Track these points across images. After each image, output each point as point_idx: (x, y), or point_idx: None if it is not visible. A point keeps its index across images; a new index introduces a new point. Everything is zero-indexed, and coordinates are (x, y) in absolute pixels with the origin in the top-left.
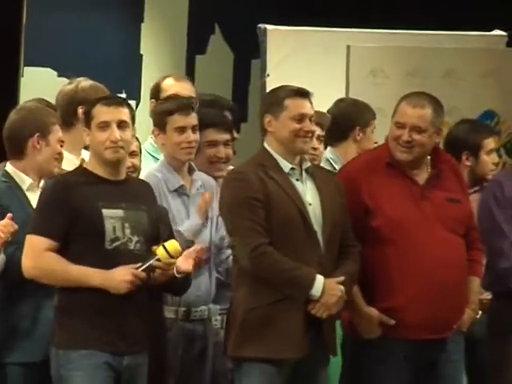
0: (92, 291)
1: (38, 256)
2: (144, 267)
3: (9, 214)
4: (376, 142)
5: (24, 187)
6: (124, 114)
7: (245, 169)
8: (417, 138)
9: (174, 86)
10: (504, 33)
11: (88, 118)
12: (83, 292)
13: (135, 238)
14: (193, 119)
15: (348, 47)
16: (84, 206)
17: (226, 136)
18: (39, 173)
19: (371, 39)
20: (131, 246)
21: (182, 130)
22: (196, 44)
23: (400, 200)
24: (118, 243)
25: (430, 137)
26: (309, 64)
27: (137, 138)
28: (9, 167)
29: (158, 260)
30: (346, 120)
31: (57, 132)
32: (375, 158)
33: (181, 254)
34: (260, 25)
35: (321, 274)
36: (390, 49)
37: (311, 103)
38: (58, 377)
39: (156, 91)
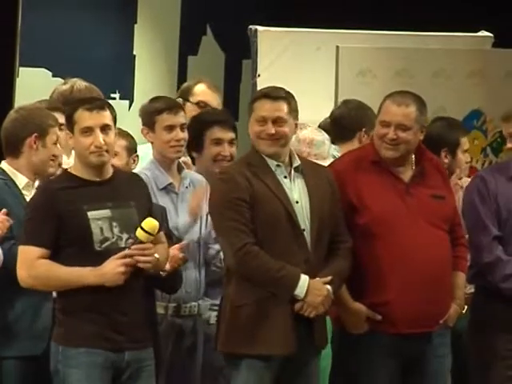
0: (90, 289)
1: (31, 265)
2: (131, 251)
3: (3, 210)
4: None
5: (20, 185)
6: (106, 117)
7: (232, 169)
8: (402, 136)
9: (205, 93)
10: (490, 34)
11: (70, 123)
12: (81, 290)
13: (125, 235)
14: (181, 118)
15: (337, 48)
16: (69, 211)
17: (231, 134)
18: (34, 173)
19: (360, 40)
20: (122, 244)
21: (170, 128)
22: (188, 45)
23: (385, 197)
24: (107, 243)
25: (414, 134)
26: (299, 64)
27: (131, 137)
28: (4, 165)
29: (141, 242)
30: (353, 121)
31: (54, 134)
32: (360, 157)
33: (159, 229)
34: (251, 26)
35: (308, 272)
36: (378, 49)
37: (289, 104)
38: (56, 372)
39: (186, 93)
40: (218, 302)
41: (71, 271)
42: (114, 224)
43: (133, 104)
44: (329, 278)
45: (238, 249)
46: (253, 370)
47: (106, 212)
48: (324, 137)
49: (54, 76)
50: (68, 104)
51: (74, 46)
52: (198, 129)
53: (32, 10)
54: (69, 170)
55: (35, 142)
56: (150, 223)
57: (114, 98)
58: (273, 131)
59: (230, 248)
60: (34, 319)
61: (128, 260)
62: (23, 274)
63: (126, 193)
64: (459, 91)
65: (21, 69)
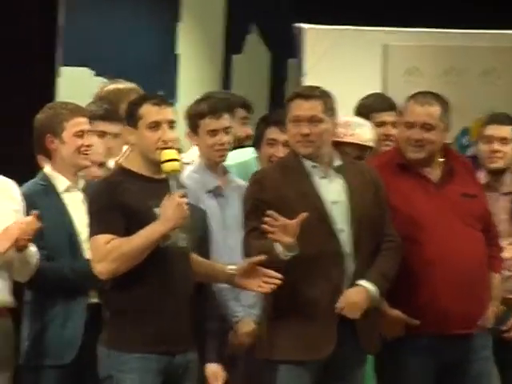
0: (144, 291)
1: (103, 253)
2: (178, 186)
3: (34, 212)
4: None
5: (60, 189)
6: (172, 113)
7: (264, 171)
8: (427, 136)
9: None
10: None
11: (134, 118)
12: (135, 292)
13: (182, 235)
14: (225, 121)
15: (384, 46)
16: (137, 206)
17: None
18: (70, 170)
19: (407, 38)
20: (180, 244)
21: (214, 132)
22: (232, 43)
23: (416, 198)
24: (169, 242)
25: (439, 134)
26: (345, 63)
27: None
28: (47, 169)
29: (176, 171)
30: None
31: (72, 127)
32: (385, 162)
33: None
34: (296, 24)
35: (344, 276)
36: (426, 47)
37: (325, 103)
38: (108, 377)
39: None
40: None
41: (140, 235)
42: None
43: (177, 105)
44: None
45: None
46: (292, 376)
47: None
48: (365, 121)
49: (96, 75)
50: (112, 105)
51: (117, 45)
52: None
53: (74, 8)
54: (124, 164)
55: (53, 142)
56: (170, 152)
57: None
58: (307, 131)
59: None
60: (65, 328)
61: (180, 192)
62: (100, 266)
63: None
64: (508, 90)
65: (62, 68)
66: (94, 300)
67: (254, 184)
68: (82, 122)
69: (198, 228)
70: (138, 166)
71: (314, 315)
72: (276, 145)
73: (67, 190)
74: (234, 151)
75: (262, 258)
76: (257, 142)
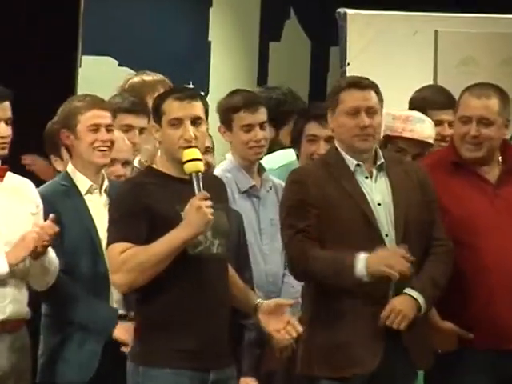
0: (174, 302)
1: (118, 261)
2: (200, 188)
3: (51, 215)
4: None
5: (83, 190)
6: (198, 108)
7: (306, 169)
8: (485, 132)
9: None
10: None
11: (158, 114)
12: (165, 303)
13: (217, 241)
14: (261, 115)
15: (436, 33)
16: (164, 211)
17: (327, 131)
18: (90, 169)
19: (462, 24)
20: (214, 250)
21: (249, 127)
22: (270, 30)
23: (471, 200)
24: (201, 248)
25: (498, 129)
26: (393, 52)
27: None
28: (69, 167)
29: (199, 172)
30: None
31: (87, 121)
32: (439, 160)
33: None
34: (339, 9)
35: (391, 284)
36: (482, 35)
37: (377, 94)
38: None
39: None
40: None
41: (160, 242)
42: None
43: (208, 96)
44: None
45: (291, 248)
46: None
47: None
48: (425, 117)
49: (120, 65)
50: (137, 99)
51: (142, 33)
52: None
53: None
54: (153, 165)
55: (68, 138)
56: (191, 151)
57: None
58: (368, 123)
59: (286, 253)
60: (82, 345)
61: (203, 194)
62: (116, 278)
63: (214, 194)
64: None
65: (83, 57)
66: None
67: (294, 183)
68: (98, 115)
69: (233, 233)
70: (166, 166)
71: (356, 326)
72: (317, 141)
73: (89, 191)
74: (276, 153)
75: (292, 302)
76: (296, 139)
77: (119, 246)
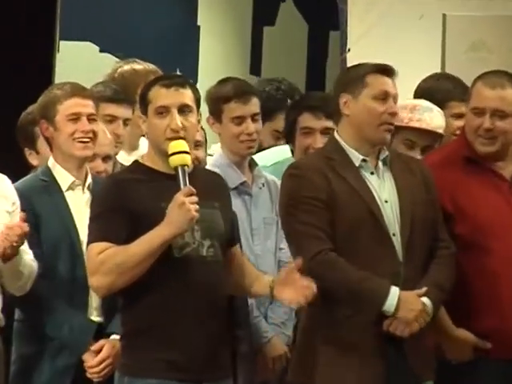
0: (160, 309)
1: (96, 262)
2: (186, 183)
3: (21, 214)
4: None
5: (64, 186)
6: (186, 96)
7: (306, 163)
8: (499, 125)
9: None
10: None
11: (144, 103)
12: (148, 311)
13: (207, 242)
14: (253, 106)
15: (444, 16)
16: (145, 208)
17: (328, 123)
18: (72, 163)
19: (472, 6)
20: (203, 252)
21: (240, 119)
22: (263, 13)
23: (486, 199)
24: (188, 250)
25: None
26: (397, 37)
27: (202, 128)
28: (50, 161)
29: (186, 166)
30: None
31: (66, 110)
32: (450, 155)
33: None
34: None
35: (399, 285)
36: (493, 18)
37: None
38: None
39: None
40: (282, 319)
41: (140, 241)
42: (196, 227)
43: (196, 85)
44: (424, 289)
45: (312, 256)
46: None
47: None
48: (434, 106)
49: (101, 51)
50: (127, 90)
51: (125, 16)
52: None
53: None
54: (140, 160)
55: (47, 129)
56: (177, 143)
57: None
58: (397, 110)
59: (303, 256)
60: (57, 355)
61: (187, 189)
62: (93, 280)
63: (209, 191)
64: None
65: (62, 42)
66: (97, 319)
67: (297, 178)
68: (78, 104)
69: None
70: (153, 161)
71: (356, 332)
72: (312, 134)
73: (71, 187)
74: (269, 150)
75: (300, 262)
76: (289, 132)
77: (97, 246)
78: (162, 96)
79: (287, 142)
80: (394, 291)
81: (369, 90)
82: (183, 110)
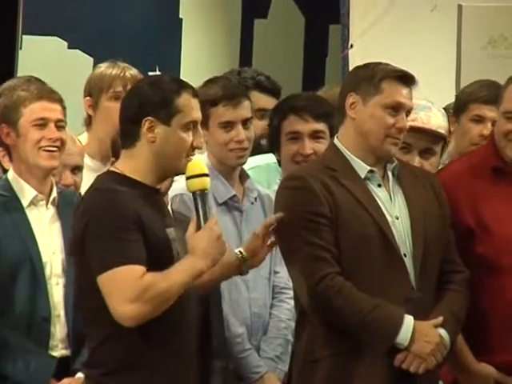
0: (139, 345)
1: (139, 288)
2: (207, 211)
3: None
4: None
5: (25, 202)
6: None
7: (304, 173)
8: None
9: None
10: None
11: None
12: (135, 343)
13: None
14: (244, 110)
15: (459, 7)
16: (151, 228)
17: (317, 126)
18: (35, 175)
19: None
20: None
21: (229, 125)
22: (254, 4)
23: None
24: None
25: None
26: (406, 31)
27: None
28: (10, 174)
29: (205, 190)
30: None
31: (31, 114)
32: (475, 164)
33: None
34: None
35: (412, 313)
36: None
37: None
38: None
39: None
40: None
41: (179, 270)
42: (180, 251)
43: None
44: (440, 318)
45: (316, 282)
46: None
47: (171, 231)
48: (434, 106)
49: (70, 47)
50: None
51: (98, 8)
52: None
53: None
54: (118, 172)
55: (9, 135)
56: (196, 164)
57: None
58: (406, 127)
59: (306, 281)
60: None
61: (212, 221)
62: (130, 308)
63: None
64: None
65: (25, 37)
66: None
67: (293, 191)
68: (45, 108)
69: None
70: (137, 172)
71: (364, 363)
72: (300, 138)
73: (33, 202)
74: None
75: (281, 215)
76: (272, 139)
77: (134, 270)
78: (197, 109)
79: (272, 151)
80: (409, 321)
81: (382, 97)
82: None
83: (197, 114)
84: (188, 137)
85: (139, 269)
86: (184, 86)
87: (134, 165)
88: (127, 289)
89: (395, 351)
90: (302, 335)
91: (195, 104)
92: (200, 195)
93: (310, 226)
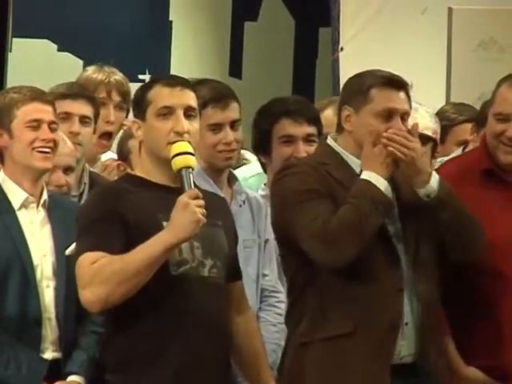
0: (148, 338)
1: (89, 273)
2: (191, 186)
3: None
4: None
5: (16, 204)
6: (191, 98)
7: (298, 163)
8: None
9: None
10: None
11: (142, 105)
12: (136, 340)
13: (209, 262)
14: (233, 112)
15: (450, 10)
16: (142, 219)
17: (310, 129)
18: (27, 176)
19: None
20: (204, 272)
21: (217, 127)
22: (244, 7)
23: (506, 219)
24: (186, 267)
25: None
26: (397, 34)
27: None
28: (1, 176)
29: (190, 168)
30: None
31: (24, 115)
32: (466, 167)
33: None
34: None
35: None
36: (507, 12)
37: (408, 97)
38: None
39: None
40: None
41: (140, 248)
42: (196, 244)
43: None
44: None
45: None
46: None
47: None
48: (422, 106)
49: (60, 50)
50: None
51: (88, 11)
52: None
53: None
54: (132, 172)
55: (1, 136)
56: (182, 144)
57: (143, 81)
58: (402, 128)
59: (309, 229)
60: None
61: (193, 192)
62: (86, 293)
63: (212, 208)
64: None
65: (15, 40)
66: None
67: (289, 177)
68: (39, 110)
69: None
70: (147, 171)
71: (357, 349)
72: (294, 142)
73: (24, 205)
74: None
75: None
76: (260, 144)
77: (90, 256)
78: (165, 96)
79: (257, 156)
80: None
81: (372, 105)
82: (189, 112)
83: (169, 100)
84: (164, 124)
85: (95, 255)
86: (158, 80)
87: (143, 167)
88: (81, 276)
89: (384, 336)
90: (290, 322)
91: (168, 92)
92: (185, 172)
93: (310, 200)
